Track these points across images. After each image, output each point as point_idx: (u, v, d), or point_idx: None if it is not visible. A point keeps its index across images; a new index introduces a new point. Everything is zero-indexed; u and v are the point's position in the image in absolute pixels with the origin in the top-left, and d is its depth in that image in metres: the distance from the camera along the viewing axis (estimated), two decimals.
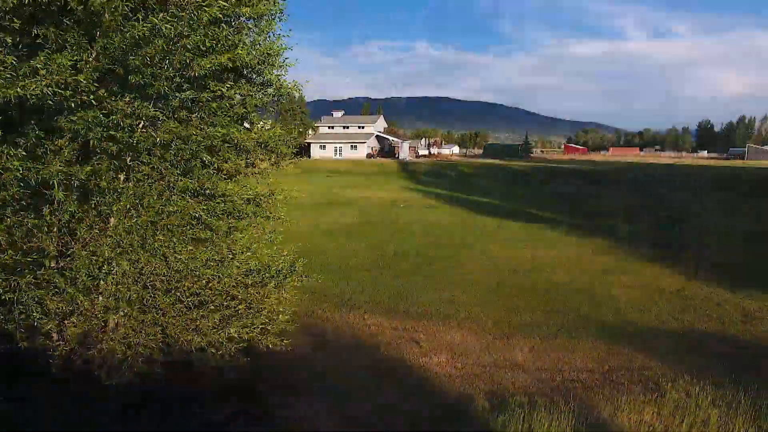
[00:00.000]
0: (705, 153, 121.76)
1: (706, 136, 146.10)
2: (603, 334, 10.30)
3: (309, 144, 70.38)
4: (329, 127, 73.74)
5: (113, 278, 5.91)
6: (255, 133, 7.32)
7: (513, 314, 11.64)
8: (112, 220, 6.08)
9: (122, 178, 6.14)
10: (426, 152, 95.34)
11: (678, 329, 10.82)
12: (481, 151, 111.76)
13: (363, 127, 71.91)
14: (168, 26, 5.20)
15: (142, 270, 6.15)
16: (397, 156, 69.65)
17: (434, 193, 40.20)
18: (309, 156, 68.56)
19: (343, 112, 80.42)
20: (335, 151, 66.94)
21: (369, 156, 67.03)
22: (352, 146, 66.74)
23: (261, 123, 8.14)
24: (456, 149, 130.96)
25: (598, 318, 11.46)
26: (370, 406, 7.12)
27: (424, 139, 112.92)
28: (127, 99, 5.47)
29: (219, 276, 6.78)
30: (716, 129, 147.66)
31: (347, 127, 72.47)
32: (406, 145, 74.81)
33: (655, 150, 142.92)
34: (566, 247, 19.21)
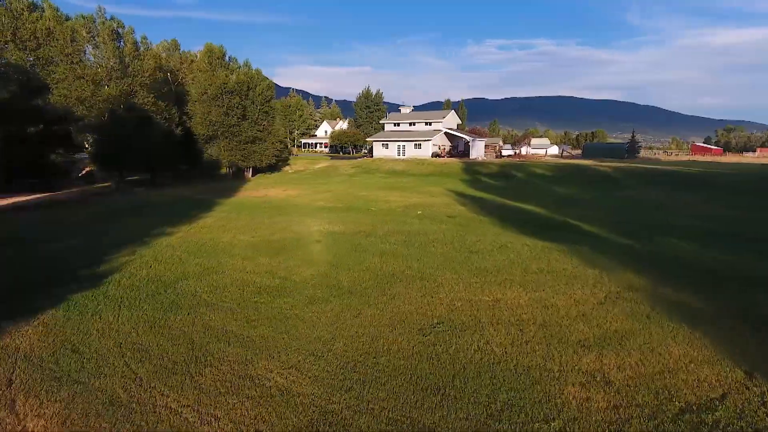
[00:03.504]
0: None
1: None
2: None
3: (372, 143, 66.25)
4: (395, 125, 68.73)
5: None
6: None
7: None
8: None
9: None
10: (511, 152, 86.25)
11: None
12: (579, 152, 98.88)
13: (430, 124, 65.74)
14: None
15: None
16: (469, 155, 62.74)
17: (477, 198, 33.68)
18: (372, 155, 64.53)
19: (411, 108, 74.80)
20: (398, 150, 61.82)
21: (435, 155, 60.90)
22: (416, 145, 61.02)
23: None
24: (555, 149, 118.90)
25: None
26: None
27: (515, 141, 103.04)
28: None
29: None
30: None
31: (413, 124, 66.88)
32: (480, 144, 67.17)
33: None
34: (566, 287, 12.42)
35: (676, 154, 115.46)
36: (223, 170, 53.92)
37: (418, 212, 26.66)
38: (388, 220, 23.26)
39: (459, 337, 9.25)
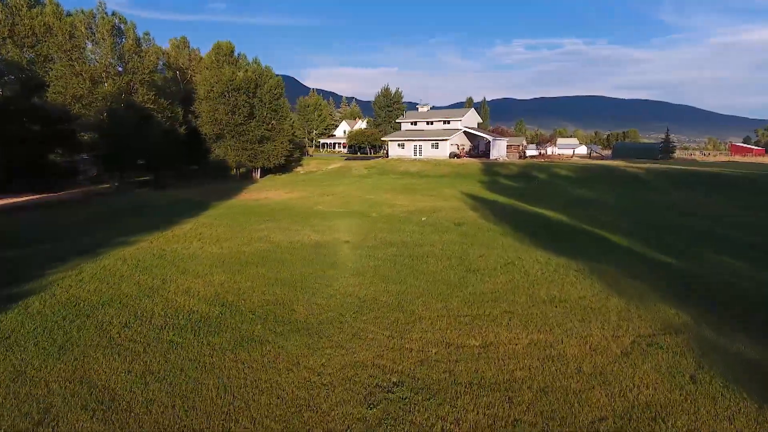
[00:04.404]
0: None
1: None
2: None
3: (388, 142, 63.58)
4: (412, 124, 65.86)
5: None
6: None
7: None
8: None
9: None
10: (536, 152, 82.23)
11: None
12: (610, 152, 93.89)
13: (448, 123, 62.57)
14: None
15: None
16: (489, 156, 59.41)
17: (492, 201, 30.68)
18: (387, 156, 61.87)
19: (429, 106, 71.62)
20: (414, 149, 58.95)
21: (453, 155, 57.77)
22: (433, 144, 58.03)
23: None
24: (583, 149, 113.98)
25: None
26: None
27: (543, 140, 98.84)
28: None
29: None
30: None
31: (431, 123, 63.87)
32: (502, 144, 63.61)
33: None
34: (581, 326, 9.57)
35: (714, 155, 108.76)
36: (233, 171, 52.32)
37: (423, 218, 23.96)
38: (384, 228, 20.67)
39: (419, 411, 6.57)
